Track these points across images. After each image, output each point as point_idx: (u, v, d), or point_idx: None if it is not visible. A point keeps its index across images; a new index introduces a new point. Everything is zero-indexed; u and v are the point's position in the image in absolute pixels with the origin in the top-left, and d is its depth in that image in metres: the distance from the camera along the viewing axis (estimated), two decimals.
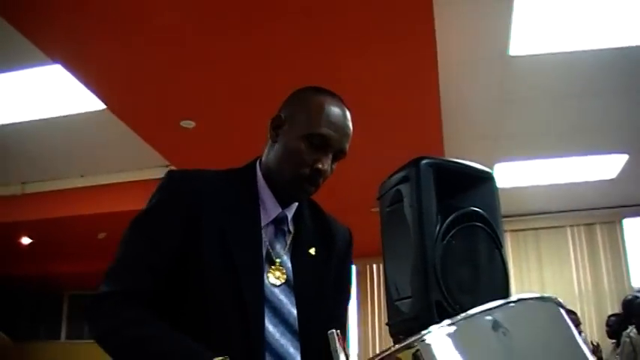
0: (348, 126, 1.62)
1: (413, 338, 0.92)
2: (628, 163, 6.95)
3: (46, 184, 7.21)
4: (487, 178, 1.65)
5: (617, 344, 6.18)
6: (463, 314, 0.95)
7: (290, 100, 1.69)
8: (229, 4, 3.74)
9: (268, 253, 1.60)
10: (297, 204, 1.69)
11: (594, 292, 8.62)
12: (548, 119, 5.81)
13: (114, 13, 3.81)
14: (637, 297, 5.82)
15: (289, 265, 1.62)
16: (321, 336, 1.52)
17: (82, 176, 7.07)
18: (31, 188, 7.30)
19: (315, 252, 1.68)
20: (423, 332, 0.92)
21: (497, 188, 1.65)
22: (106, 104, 5.00)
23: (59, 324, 12.46)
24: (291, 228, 1.67)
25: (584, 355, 1.02)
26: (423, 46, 4.24)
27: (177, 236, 1.51)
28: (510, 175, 7.13)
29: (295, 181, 1.58)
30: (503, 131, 5.95)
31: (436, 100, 4.94)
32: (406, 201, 1.58)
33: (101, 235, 8.10)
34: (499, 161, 6.63)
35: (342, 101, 1.65)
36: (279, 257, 1.61)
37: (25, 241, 8.46)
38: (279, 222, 1.64)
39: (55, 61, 4.39)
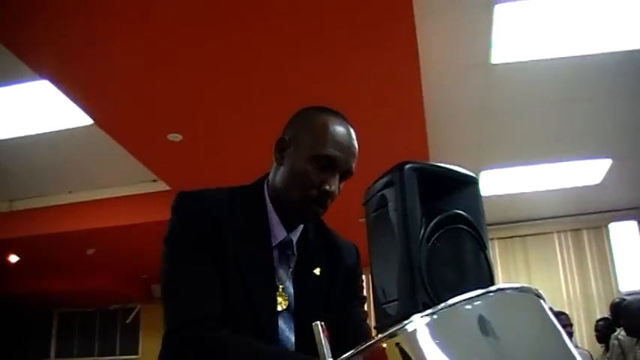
0: (353, 145, 1.62)
1: (395, 328, 0.95)
2: (612, 167, 7.01)
3: (33, 201, 7.19)
4: (471, 182, 1.68)
5: (607, 348, 6.22)
6: (443, 304, 0.99)
7: (293, 121, 1.69)
8: (211, 16, 3.77)
9: (274, 280, 1.61)
10: (302, 227, 1.69)
11: (582, 297, 8.67)
12: (531, 126, 5.86)
13: (101, 28, 3.84)
14: (624, 299, 5.87)
15: (291, 290, 1.62)
16: None
17: (70, 192, 7.06)
18: (18, 205, 7.29)
19: (320, 272, 1.68)
20: (405, 322, 0.95)
21: (480, 192, 1.69)
22: (93, 119, 5.00)
23: (49, 342, 12.37)
24: (295, 252, 1.66)
25: (565, 344, 1.05)
26: (405, 56, 4.28)
27: (212, 253, 1.52)
28: (496, 182, 7.18)
29: (303, 204, 1.58)
30: (488, 139, 6.00)
31: (420, 110, 4.98)
32: (391, 205, 1.61)
33: (90, 251, 8.08)
34: (484, 169, 6.68)
35: (345, 120, 1.66)
36: (282, 283, 1.61)
37: (13, 259, 8.40)
38: (284, 246, 1.64)
39: (42, 76, 4.40)
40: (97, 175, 6.61)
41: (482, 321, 0.98)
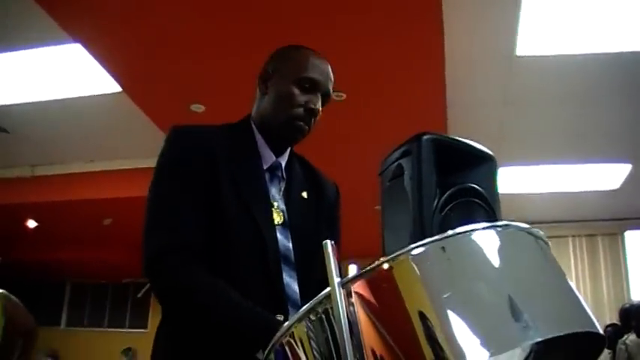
0: (330, 72, 1.79)
1: (402, 250, 0.99)
2: (631, 173, 6.96)
3: (55, 168, 7.28)
4: (488, 159, 1.71)
5: (614, 355, 6.20)
6: (451, 231, 1.02)
7: (275, 56, 1.84)
8: None
9: (269, 197, 1.74)
10: (288, 153, 1.83)
11: (593, 303, 8.61)
12: (552, 123, 5.84)
13: None
14: (634, 304, 5.87)
15: (284, 207, 1.74)
16: (316, 265, 1.64)
17: (91, 161, 7.13)
18: (40, 171, 7.37)
19: (307, 195, 1.82)
20: (413, 245, 0.99)
21: (497, 170, 1.72)
22: (121, 86, 5.07)
23: (60, 311, 12.51)
24: (284, 174, 1.80)
25: (567, 282, 1.08)
26: (431, 44, 4.32)
27: (204, 185, 1.62)
28: (513, 181, 7.16)
29: (290, 122, 1.72)
30: (507, 133, 5.98)
31: (442, 99, 5.00)
32: (406, 174, 1.64)
33: (107, 221, 8.16)
34: (501, 165, 6.60)
35: (321, 54, 1.82)
36: (275, 201, 1.74)
37: (31, 224, 8.49)
38: (274, 169, 1.78)
39: (75, 39, 4.46)
40: (120, 145, 6.67)
41: (488, 250, 1.01)
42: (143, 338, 11.48)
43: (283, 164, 1.80)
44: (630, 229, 8.79)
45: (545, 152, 6.52)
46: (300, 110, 1.71)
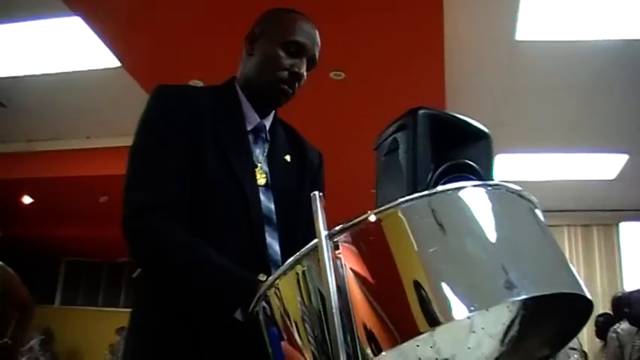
0: (317, 37, 1.78)
1: (392, 204, 0.99)
2: (628, 163, 6.97)
3: (52, 143, 7.25)
4: (483, 137, 1.71)
5: (606, 344, 6.22)
6: (441, 187, 1.02)
7: (263, 18, 1.83)
8: None
9: (252, 157, 1.74)
10: (272, 116, 1.82)
11: None
12: (550, 110, 5.83)
13: None
14: (625, 293, 5.90)
15: (267, 169, 1.73)
16: (299, 227, 1.66)
17: (87, 137, 7.11)
18: (36, 146, 7.34)
19: (290, 159, 1.81)
20: (401, 199, 0.99)
21: (492, 148, 1.71)
22: (120, 61, 5.06)
23: (54, 289, 12.53)
24: (269, 136, 1.79)
25: (559, 251, 1.08)
26: (431, 27, 4.32)
27: (186, 142, 1.60)
28: (510, 167, 7.16)
29: (274, 85, 1.71)
30: (505, 119, 5.96)
31: (441, 83, 4.99)
32: (402, 148, 1.64)
33: (103, 199, 8.14)
34: (499, 152, 6.62)
35: (310, 19, 1.81)
36: (259, 162, 1.73)
37: (27, 200, 8.49)
38: (258, 130, 1.77)
39: (74, 12, 4.44)
40: (117, 121, 6.62)
41: (477, 208, 1.01)
42: None
43: (267, 126, 1.79)
44: (625, 220, 8.80)
45: (543, 140, 6.52)
46: (285, 74, 1.70)
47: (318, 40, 1.78)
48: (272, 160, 1.76)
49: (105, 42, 4.78)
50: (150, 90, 4.98)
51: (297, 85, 1.73)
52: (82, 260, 12.40)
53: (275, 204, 1.69)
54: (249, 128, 1.75)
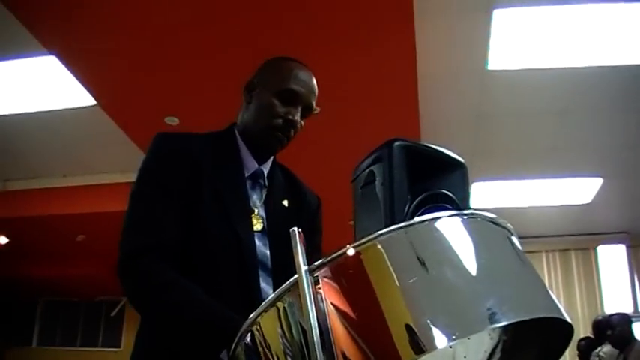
0: (314, 85, 1.82)
1: (370, 237, 1.00)
2: (603, 187, 7.04)
3: (28, 182, 7.19)
4: (459, 166, 1.73)
5: None
6: (418, 218, 1.04)
7: (261, 68, 1.88)
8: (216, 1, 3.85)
9: (248, 203, 1.76)
10: (271, 162, 1.86)
11: None
12: (524, 137, 5.91)
13: (109, 7, 3.92)
14: (605, 316, 5.93)
15: (264, 214, 1.77)
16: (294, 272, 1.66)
17: (64, 176, 7.07)
18: (13, 186, 7.29)
19: (288, 204, 1.85)
20: (379, 232, 1.00)
21: (468, 177, 1.74)
22: (96, 99, 5.06)
23: (32, 330, 12.34)
24: (266, 182, 1.82)
25: (536, 276, 1.10)
26: (403, 58, 4.37)
27: (184, 188, 1.65)
28: (486, 195, 7.22)
29: (269, 132, 1.76)
30: (480, 148, 6.04)
31: (415, 113, 5.05)
32: (378, 180, 1.66)
33: (80, 237, 8.08)
34: (475, 181, 6.69)
35: (307, 67, 1.85)
36: (256, 207, 1.76)
37: (2, 240, 8.38)
38: (256, 177, 1.80)
39: (50, 52, 4.45)
40: (94, 159, 6.63)
41: (454, 237, 1.03)
42: (116, 357, 11.37)
43: (265, 172, 1.83)
44: (603, 243, 8.89)
45: (517, 167, 6.60)
46: (279, 121, 1.74)
47: (315, 87, 1.82)
48: (269, 205, 1.79)
49: (80, 81, 4.79)
50: (126, 127, 5.01)
51: (291, 132, 1.78)
52: (59, 300, 12.24)
53: (271, 249, 1.72)
54: (246, 175, 1.78)
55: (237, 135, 1.83)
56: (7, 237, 8.36)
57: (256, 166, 1.80)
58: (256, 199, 1.78)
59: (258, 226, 1.72)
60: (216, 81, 4.64)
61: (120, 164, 6.62)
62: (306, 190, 1.96)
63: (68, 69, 4.63)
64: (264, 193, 1.81)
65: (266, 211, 1.77)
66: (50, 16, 4.02)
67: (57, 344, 12.19)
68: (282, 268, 1.68)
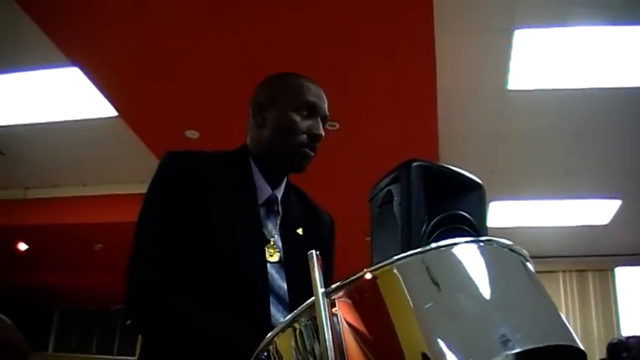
0: (324, 94, 1.78)
1: (386, 262, 1.01)
2: (621, 209, 7.00)
3: (48, 191, 7.27)
4: (476, 187, 1.74)
5: None
6: (434, 244, 1.05)
7: (267, 85, 1.81)
8: (238, 14, 3.89)
9: (263, 232, 1.69)
10: (284, 187, 1.79)
11: (583, 338, 8.56)
12: (542, 158, 5.89)
13: (131, 20, 3.98)
14: (621, 338, 5.86)
15: (280, 244, 1.71)
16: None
17: (84, 185, 7.14)
18: (33, 194, 7.36)
19: (303, 232, 1.78)
20: (395, 257, 1.02)
21: (485, 198, 1.74)
22: (117, 110, 5.12)
23: (48, 336, 12.41)
24: (280, 209, 1.76)
25: (551, 303, 1.11)
26: (423, 77, 4.39)
27: (194, 212, 1.57)
28: (504, 215, 7.18)
29: (295, 150, 1.69)
30: (498, 167, 6.03)
31: (434, 132, 5.05)
32: (396, 200, 1.67)
33: (98, 247, 8.14)
34: (492, 200, 6.66)
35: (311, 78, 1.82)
36: (272, 237, 1.70)
37: (22, 247, 8.46)
38: (270, 203, 1.74)
39: (73, 63, 4.51)
40: (113, 170, 6.68)
41: (470, 263, 1.04)
42: None
43: (279, 197, 1.76)
44: (620, 265, 8.81)
45: (536, 187, 6.57)
46: (304, 137, 1.69)
47: (325, 96, 1.79)
48: (284, 234, 1.73)
49: (102, 92, 4.85)
50: (146, 139, 5.03)
51: (317, 145, 1.73)
52: (75, 307, 12.31)
53: (288, 282, 1.66)
54: (260, 201, 1.71)
55: (250, 158, 1.75)
56: (27, 244, 8.44)
57: (270, 191, 1.73)
58: (272, 228, 1.71)
59: (274, 257, 1.66)
60: (236, 95, 4.66)
61: (139, 175, 6.63)
62: (320, 212, 1.89)
63: (90, 80, 4.69)
64: (279, 220, 1.74)
65: (282, 241, 1.71)
66: (73, 28, 4.08)
67: (73, 351, 12.25)
68: (300, 300, 1.66)
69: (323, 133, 1.73)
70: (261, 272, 1.62)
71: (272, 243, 1.68)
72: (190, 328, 1.45)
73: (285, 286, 1.65)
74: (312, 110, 1.72)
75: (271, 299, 1.62)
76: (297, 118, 1.69)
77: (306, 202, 1.88)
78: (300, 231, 1.77)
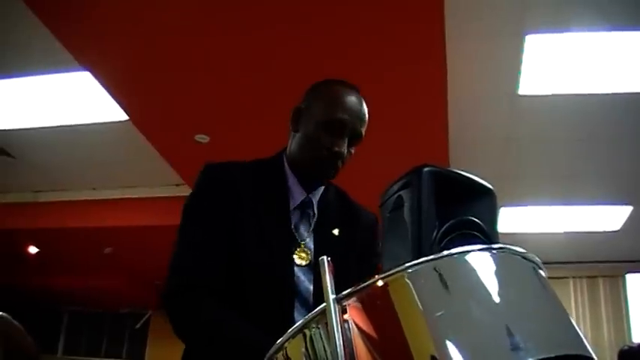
0: (362, 111, 1.76)
1: (398, 269, 1.01)
2: (632, 215, 6.95)
3: (58, 194, 7.31)
4: (487, 193, 1.74)
5: None
6: (446, 252, 1.04)
7: (309, 92, 1.84)
8: (249, 17, 3.89)
9: (294, 236, 1.73)
10: (322, 189, 1.83)
11: (593, 345, 8.31)
12: (553, 163, 5.87)
13: (143, 25, 3.99)
14: (633, 346, 5.83)
15: (312, 246, 1.74)
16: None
17: (94, 189, 7.17)
18: (43, 197, 7.40)
19: (339, 232, 1.80)
20: (407, 264, 1.01)
21: (496, 204, 1.74)
22: (128, 114, 5.13)
23: (57, 339, 12.44)
24: (316, 211, 1.79)
25: (563, 312, 1.10)
26: (434, 82, 4.37)
27: (227, 222, 1.65)
28: (513, 221, 7.15)
29: (314, 163, 1.72)
30: (509, 172, 6.00)
31: (445, 137, 5.03)
32: (407, 206, 1.67)
33: (107, 250, 8.16)
34: (503, 205, 6.65)
35: (357, 90, 1.80)
36: (303, 239, 1.74)
37: (32, 250, 8.50)
38: (304, 206, 1.78)
39: (84, 67, 4.52)
40: (123, 174, 6.71)
41: (482, 271, 1.04)
42: None
43: (315, 201, 1.80)
44: (631, 271, 8.75)
45: (546, 192, 6.54)
46: (324, 153, 1.70)
47: (364, 113, 1.76)
48: (318, 235, 1.76)
49: (113, 96, 4.86)
50: (156, 143, 5.05)
51: (339, 163, 1.73)
52: (85, 310, 12.34)
53: (314, 285, 1.69)
54: (294, 205, 1.76)
55: (286, 163, 1.80)
56: (37, 247, 8.48)
57: (304, 194, 1.77)
58: (304, 230, 1.75)
59: (304, 260, 1.70)
60: (246, 99, 4.68)
61: (149, 179, 6.70)
62: (361, 212, 1.91)
63: (101, 84, 4.71)
64: (314, 222, 1.77)
65: (315, 242, 1.74)
66: (85, 33, 4.09)
67: (82, 354, 12.28)
68: None
69: (344, 151, 1.71)
70: (287, 277, 1.66)
71: (303, 246, 1.72)
72: (221, 334, 1.53)
73: (311, 288, 1.69)
74: (339, 128, 1.70)
75: (297, 303, 1.66)
76: (322, 133, 1.70)
77: (345, 202, 1.90)
78: (336, 231, 1.80)
